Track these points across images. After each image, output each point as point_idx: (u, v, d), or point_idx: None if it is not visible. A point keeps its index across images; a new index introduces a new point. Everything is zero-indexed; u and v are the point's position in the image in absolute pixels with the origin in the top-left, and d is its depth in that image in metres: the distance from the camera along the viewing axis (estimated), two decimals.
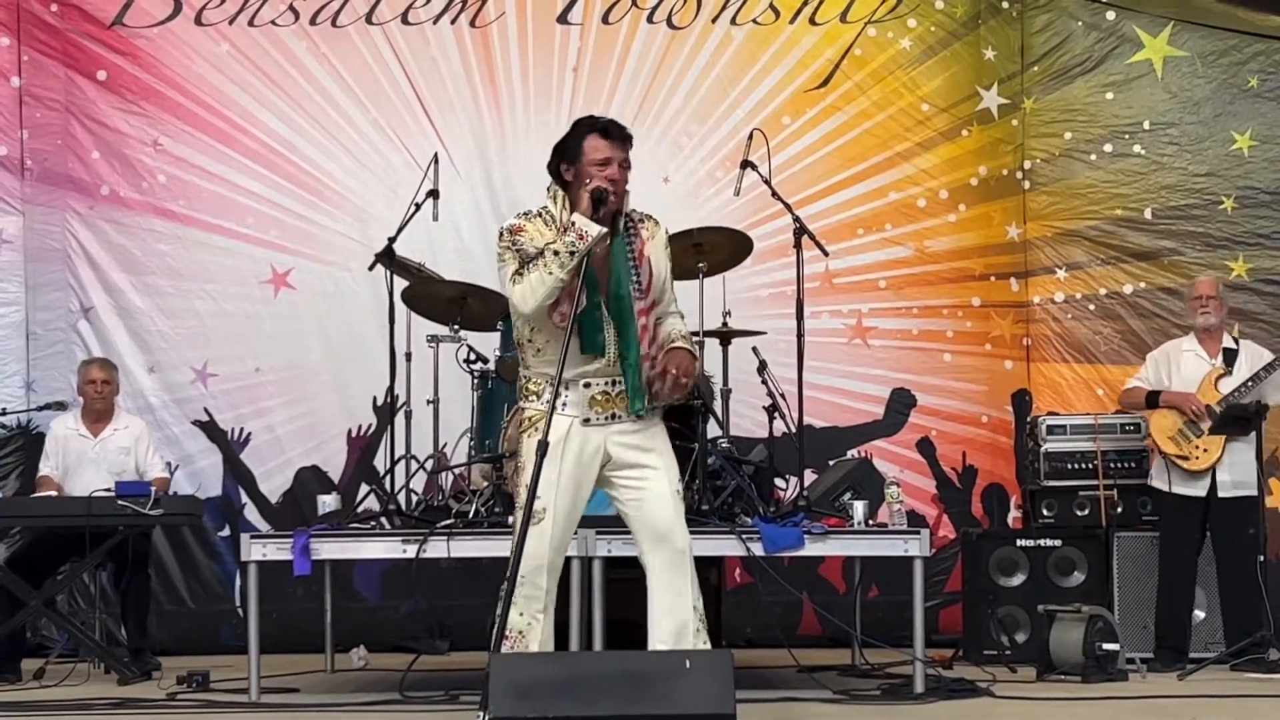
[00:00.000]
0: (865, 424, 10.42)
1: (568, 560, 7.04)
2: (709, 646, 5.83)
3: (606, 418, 5.85)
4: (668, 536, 5.83)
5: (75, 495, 8.65)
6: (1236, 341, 8.92)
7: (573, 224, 5.71)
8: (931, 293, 10.50)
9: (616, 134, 5.85)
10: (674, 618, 5.81)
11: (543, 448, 5.58)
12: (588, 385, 5.82)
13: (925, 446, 10.42)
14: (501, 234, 5.89)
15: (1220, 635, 8.70)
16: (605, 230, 5.70)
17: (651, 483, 5.86)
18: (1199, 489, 8.59)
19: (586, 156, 5.82)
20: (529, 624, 5.81)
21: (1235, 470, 8.60)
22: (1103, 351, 10.33)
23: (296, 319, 10.40)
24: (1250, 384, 8.60)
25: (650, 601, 5.85)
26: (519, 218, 5.90)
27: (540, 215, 5.88)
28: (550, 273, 5.67)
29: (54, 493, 8.90)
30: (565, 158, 5.89)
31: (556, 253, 5.66)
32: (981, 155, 10.53)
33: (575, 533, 6.89)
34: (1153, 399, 8.72)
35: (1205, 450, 8.57)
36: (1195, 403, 8.59)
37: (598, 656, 5.83)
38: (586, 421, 5.83)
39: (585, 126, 5.90)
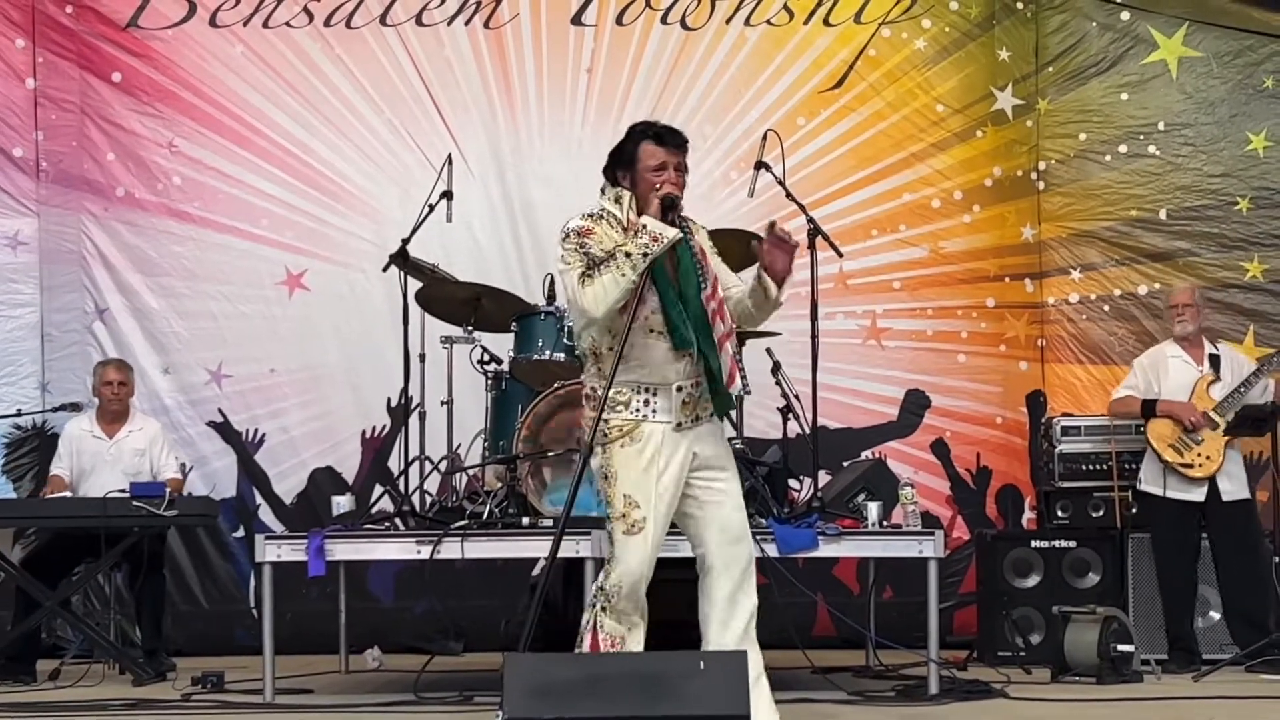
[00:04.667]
0: (879, 425, 10.41)
1: (581, 561, 7.07)
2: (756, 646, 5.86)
3: (693, 420, 5.84)
4: (741, 539, 5.87)
5: (90, 496, 8.66)
6: (1217, 347, 8.91)
7: (644, 227, 5.66)
8: (946, 294, 10.48)
9: (671, 140, 5.84)
10: (733, 619, 5.84)
11: (589, 450, 5.57)
12: (679, 389, 5.78)
13: (939, 448, 10.40)
14: (568, 235, 5.78)
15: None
16: (680, 234, 5.67)
17: (730, 484, 5.89)
18: (1197, 494, 8.59)
19: (642, 162, 5.81)
20: (629, 629, 5.81)
21: (1233, 476, 8.63)
22: (1117, 352, 10.30)
23: (311, 320, 10.41)
24: (1242, 389, 8.61)
25: (712, 603, 5.86)
26: (585, 219, 5.81)
27: (604, 217, 5.81)
28: (624, 275, 5.59)
29: (66, 493, 8.92)
30: (621, 163, 5.88)
31: (629, 254, 5.60)
32: (996, 156, 10.52)
33: (589, 532, 6.93)
34: (1148, 408, 8.71)
35: (1208, 458, 8.56)
36: (1194, 412, 8.59)
37: (613, 657, 5.81)
38: (678, 426, 5.80)
39: (640, 132, 5.88)
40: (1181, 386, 8.71)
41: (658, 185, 5.76)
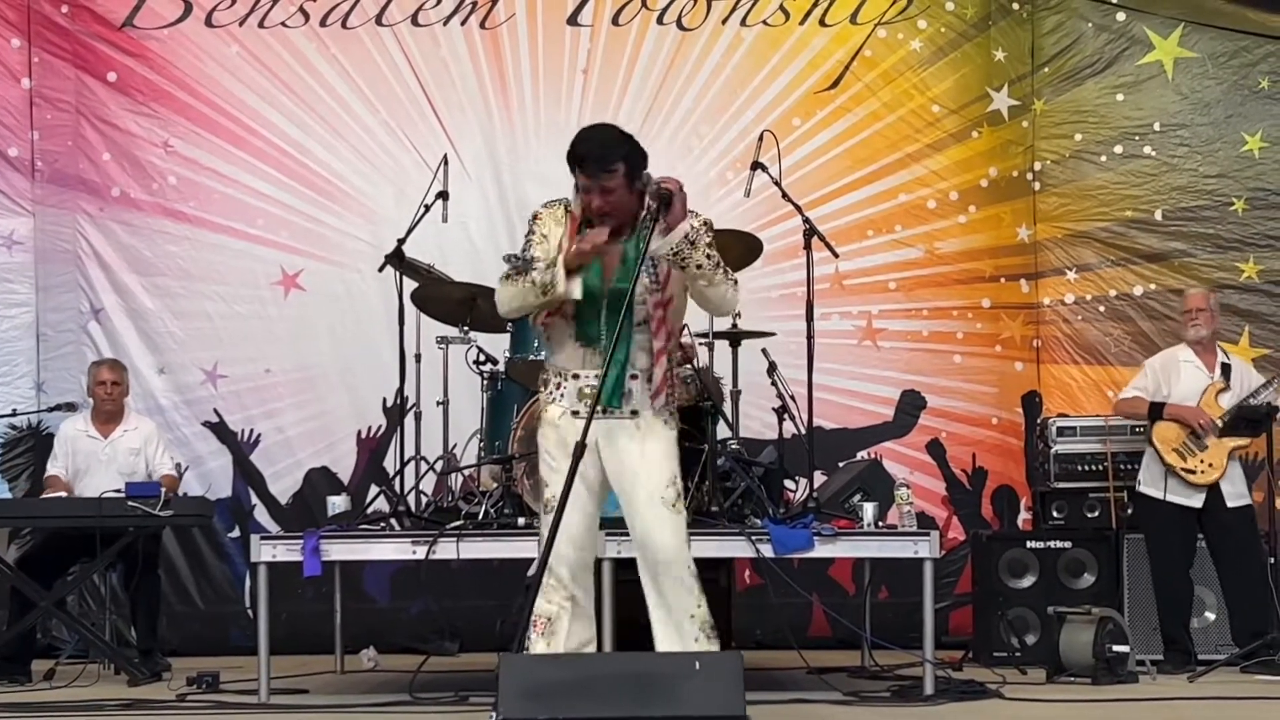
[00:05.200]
0: (875, 425, 10.41)
1: None
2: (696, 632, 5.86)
3: (600, 413, 5.83)
4: (646, 546, 5.87)
5: (85, 496, 8.65)
6: (1230, 356, 8.91)
7: (581, 237, 5.76)
8: (941, 294, 10.49)
9: (590, 167, 5.82)
10: (663, 627, 5.86)
11: (579, 449, 5.59)
12: (576, 377, 5.89)
13: (935, 448, 10.41)
14: (529, 219, 6.04)
15: (1229, 638, 8.69)
16: (572, 291, 5.73)
17: (638, 487, 5.88)
18: (1196, 500, 8.58)
19: (576, 180, 5.89)
20: (557, 611, 5.87)
21: (1236, 482, 8.63)
22: (1113, 353, 10.32)
23: (306, 320, 10.41)
24: (1250, 400, 8.60)
25: (650, 609, 5.91)
26: (545, 206, 6.04)
27: (565, 205, 5.96)
28: (524, 290, 5.80)
29: (63, 493, 8.91)
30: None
31: (534, 282, 5.78)
32: (992, 157, 10.52)
33: None
34: (1155, 410, 8.70)
35: (1210, 465, 8.55)
36: (1204, 417, 8.57)
37: (607, 658, 5.83)
38: (576, 414, 5.86)
39: (569, 152, 5.90)
40: (1192, 392, 8.69)
41: (584, 208, 5.85)
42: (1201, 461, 8.56)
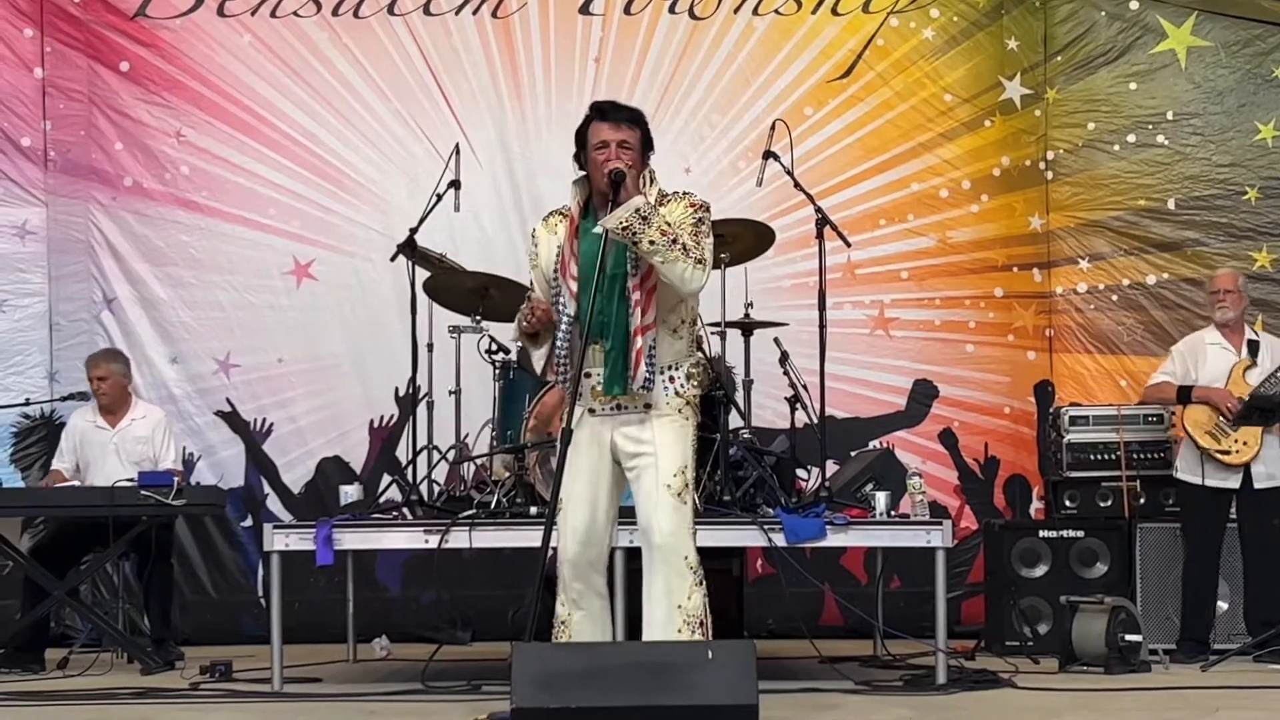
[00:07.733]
0: (887, 415, 10.41)
1: None
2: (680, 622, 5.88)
3: (612, 409, 5.91)
4: (646, 530, 5.89)
5: (98, 485, 8.66)
6: (1257, 333, 8.89)
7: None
8: (954, 283, 10.47)
9: (611, 114, 5.90)
10: (651, 612, 5.89)
11: (566, 435, 5.63)
12: (588, 375, 5.89)
13: (947, 437, 10.40)
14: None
15: (1243, 626, 8.67)
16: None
17: (642, 473, 5.91)
18: (1232, 481, 8.56)
19: (589, 141, 5.91)
20: (569, 614, 5.96)
21: (1270, 462, 8.59)
22: (1125, 342, 10.30)
23: (318, 310, 10.42)
24: (1278, 375, 8.58)
25: (645, 597, 5.96)
26: (542, 221, 6.12)
27: (561, 212, 6.02)
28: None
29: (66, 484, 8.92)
30: (579, 146, 5.98)
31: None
32: (1004, 146, 10.50)
33: None
34: (1184, 394, 8.68)
35: (1245, 444, 8.53)
36: (1230, 398, 8.55)
37: (620, 647, 5.84)
38: (592, 412, 5.91)
39: (589, 112, 5.97)
40: (1219, 373, 8.67)
41: (601, 164, 5.84)
42: (1235, 441, 8.54)
